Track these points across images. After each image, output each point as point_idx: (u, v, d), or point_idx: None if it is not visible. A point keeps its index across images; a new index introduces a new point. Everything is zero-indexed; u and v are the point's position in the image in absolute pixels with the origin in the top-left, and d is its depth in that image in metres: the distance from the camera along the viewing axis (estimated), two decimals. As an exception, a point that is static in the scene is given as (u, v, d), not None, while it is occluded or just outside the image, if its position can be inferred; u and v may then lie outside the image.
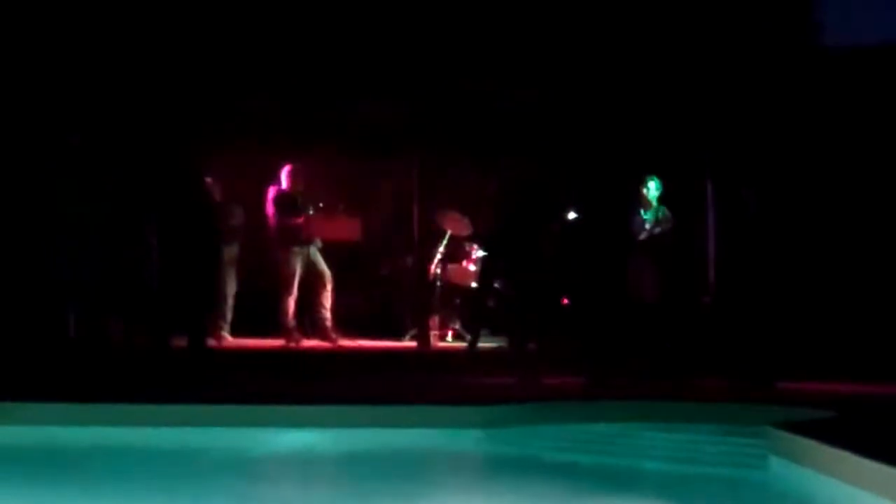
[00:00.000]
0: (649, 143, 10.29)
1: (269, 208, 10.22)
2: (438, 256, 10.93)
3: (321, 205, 10.40)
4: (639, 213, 9.99)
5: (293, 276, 10.20)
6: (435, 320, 10.86)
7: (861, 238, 10.20)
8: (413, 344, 10.57)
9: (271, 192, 10.26)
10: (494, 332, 10.34)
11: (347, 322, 10.76)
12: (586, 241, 9.56)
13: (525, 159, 10.22)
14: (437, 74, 10.61)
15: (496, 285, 10.14)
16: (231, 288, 10.33)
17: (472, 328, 10.35)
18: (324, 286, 10.30)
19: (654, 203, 10.01)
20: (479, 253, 10.84)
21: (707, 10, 10.49)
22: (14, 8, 9.61)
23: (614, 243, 9.57)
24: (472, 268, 10.91)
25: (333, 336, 10.30)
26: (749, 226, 8.91)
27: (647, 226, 9.95)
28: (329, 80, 10.77)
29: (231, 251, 10.28)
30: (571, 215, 9.87)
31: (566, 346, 9.32)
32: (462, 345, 10.48)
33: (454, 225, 11.02)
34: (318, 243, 10.37)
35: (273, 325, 10.38)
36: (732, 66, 10.32)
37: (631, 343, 9.04)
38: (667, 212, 10.01)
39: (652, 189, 9.99)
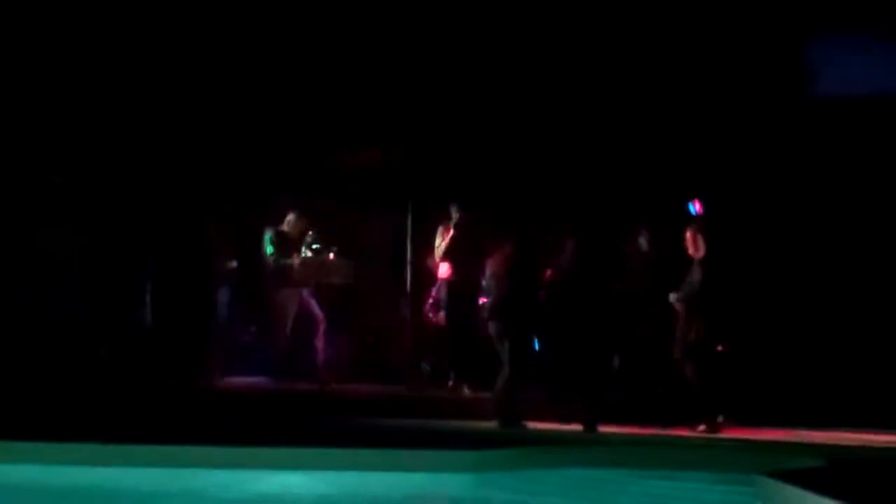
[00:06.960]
0: (641, 195, 10.34)
1: (264, 249, 10.24)
2: (430, 301, 10.92)
3: (315, 247, 10.42)
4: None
5: (286, 316, 10.19)
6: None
7: (858, 286, 10.21)
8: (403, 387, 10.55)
9: (267, 233, 10.29)
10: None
11: (340, 366, 10.73)
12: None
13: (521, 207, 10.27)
14: (431, 122, 10.69)
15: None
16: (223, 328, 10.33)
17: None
18: (316, 329, 10.29)
19: None
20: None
21: (699, 60, 10.60)
22: (6, 46, 9.66)
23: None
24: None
25: (326, 379, 10.27)
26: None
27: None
28: (323, 126, 10.84)
29: (224, 293, 10.28)
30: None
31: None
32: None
33: (446, 269, 11.00)
34: (311, 285, 10.38)
35: (266, 365, 10.35)
36: (722, 117, 10.43)
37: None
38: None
39: None
